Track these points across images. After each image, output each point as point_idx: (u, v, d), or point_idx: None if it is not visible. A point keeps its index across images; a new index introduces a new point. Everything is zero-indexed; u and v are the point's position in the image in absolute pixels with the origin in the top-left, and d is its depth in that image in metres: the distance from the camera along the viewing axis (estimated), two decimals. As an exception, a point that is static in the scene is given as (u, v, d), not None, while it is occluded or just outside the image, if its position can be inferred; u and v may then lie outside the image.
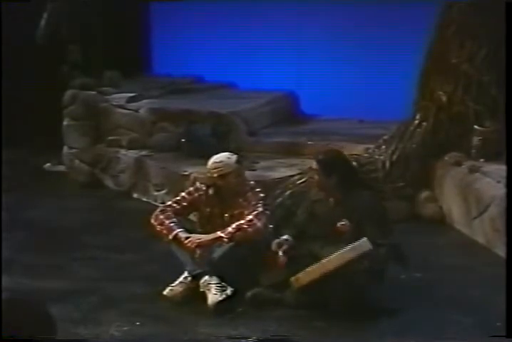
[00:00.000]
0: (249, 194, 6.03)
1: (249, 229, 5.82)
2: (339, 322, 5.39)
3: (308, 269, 5.46)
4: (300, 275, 5.48)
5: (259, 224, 5.86)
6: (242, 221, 5.85)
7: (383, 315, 5.47)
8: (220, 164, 6.00)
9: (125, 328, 5.42)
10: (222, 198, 6.07)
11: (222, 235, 5.82)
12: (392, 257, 5.58)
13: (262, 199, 6.05)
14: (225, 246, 5.85)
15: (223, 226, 5.92)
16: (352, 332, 5.31)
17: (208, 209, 6.10)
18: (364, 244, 5.38)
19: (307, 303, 5.54)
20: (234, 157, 6.06)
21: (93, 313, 5.69)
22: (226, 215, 6.03)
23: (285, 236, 5.77)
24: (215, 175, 6.01)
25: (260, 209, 5.93)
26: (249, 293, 5.69)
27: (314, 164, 5.97)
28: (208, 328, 5.42)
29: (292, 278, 5.50)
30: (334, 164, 5.81)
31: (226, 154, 6.11)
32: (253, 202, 5.96)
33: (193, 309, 5.68)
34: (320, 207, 5.83)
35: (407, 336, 5.22)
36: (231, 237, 5.80)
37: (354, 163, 7.70)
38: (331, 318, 5.43)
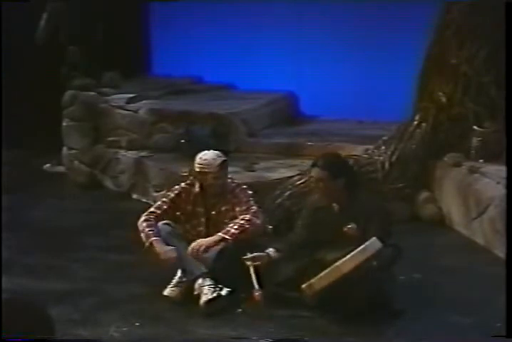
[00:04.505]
0: (237, 190, 6.00)
1: (251, 229, 5.82)
2: (339, 322, 5.40)
3: (321, 274, 5.34)
4: (313, 281, 5.36)
5: (258, 221, 5.90)
6: (242, 222, 5.81)
7: (383, 316, 5.47)
8: (204, 162, 5.95)
9: (125, 329, 5.42)
10: (206, 196, 6.03)
11: (226, 237, 5.77)
12: (398, 256, 5.56)
13: (252, 196, 6.02)
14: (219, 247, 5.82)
15: (205, 225, 5.96)
16: (352, 332, 5.31)
17: (190, 207, 6.06)
18: (374, 243, 5.32)
19: (326, 303, 5.48)
20: (220, 159, 5.97)
21: (92, 313, 5.70)
22: (213, 213, 6.00)
23: (270, 250, 5.71)
24: (197, 170, 6.00)
25: (255, 207, 5.93)
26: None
27: (314, 171, 5.72)
28: (208, 328, 5.41)
29: (304, 286, 5.39)
30: (340, 167, 5.75)
31: (215, 153, 6.03)
32: (244, 199, 5.94)
33: (193, 310, 5.67)
34: (323, 214, 5.75)
35: (407, 336, 5.23)
36: (235, 238, 5.76)
37: (354, 164, 7.72)
38: (330, 319, 5.44)
